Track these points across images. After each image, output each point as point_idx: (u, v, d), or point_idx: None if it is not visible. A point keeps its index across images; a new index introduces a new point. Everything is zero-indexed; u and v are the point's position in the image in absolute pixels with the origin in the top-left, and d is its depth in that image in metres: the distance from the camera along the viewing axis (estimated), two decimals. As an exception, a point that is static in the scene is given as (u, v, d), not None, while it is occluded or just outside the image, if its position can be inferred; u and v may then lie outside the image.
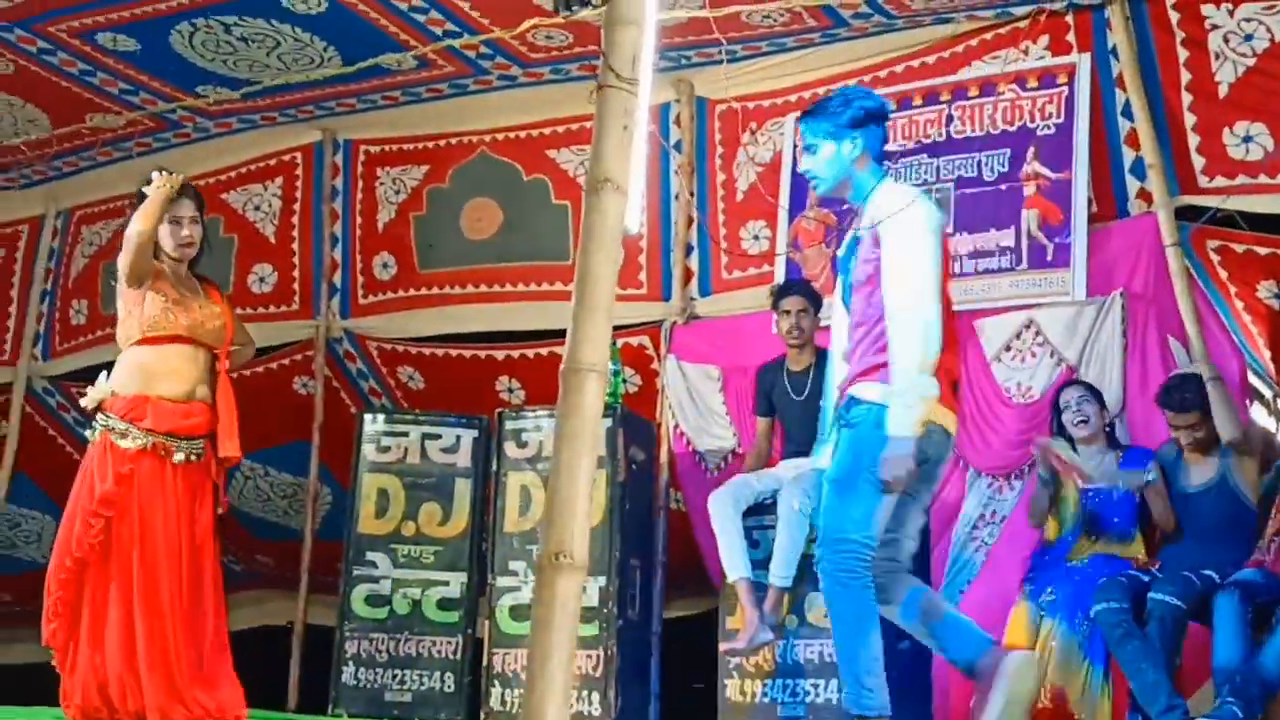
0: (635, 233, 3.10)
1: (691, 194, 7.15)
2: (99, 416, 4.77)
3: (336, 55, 6.87)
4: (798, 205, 6.74)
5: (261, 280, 8.17)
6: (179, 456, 4.71)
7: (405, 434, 6.70)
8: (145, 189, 4.84)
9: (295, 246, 8.13)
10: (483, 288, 7.64)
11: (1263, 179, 5.81)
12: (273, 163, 8.15)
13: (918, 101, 6.47)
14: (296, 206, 8.12)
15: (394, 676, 6.46)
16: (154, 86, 7.23)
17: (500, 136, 7.61)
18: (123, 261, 4.83)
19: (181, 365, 4.81)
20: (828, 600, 4.11)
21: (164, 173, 4.84)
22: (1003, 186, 6.15)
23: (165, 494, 4.67)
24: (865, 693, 3.93)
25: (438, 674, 6.46)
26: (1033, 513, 5.48)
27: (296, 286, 8.11)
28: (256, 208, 8.22)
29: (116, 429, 4.67)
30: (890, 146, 6.34)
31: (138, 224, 4.74)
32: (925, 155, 6.38)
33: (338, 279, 8.03)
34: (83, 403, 4.94)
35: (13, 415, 8.47)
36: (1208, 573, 4.73)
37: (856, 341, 4.13)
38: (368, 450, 6.67)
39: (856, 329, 4.16)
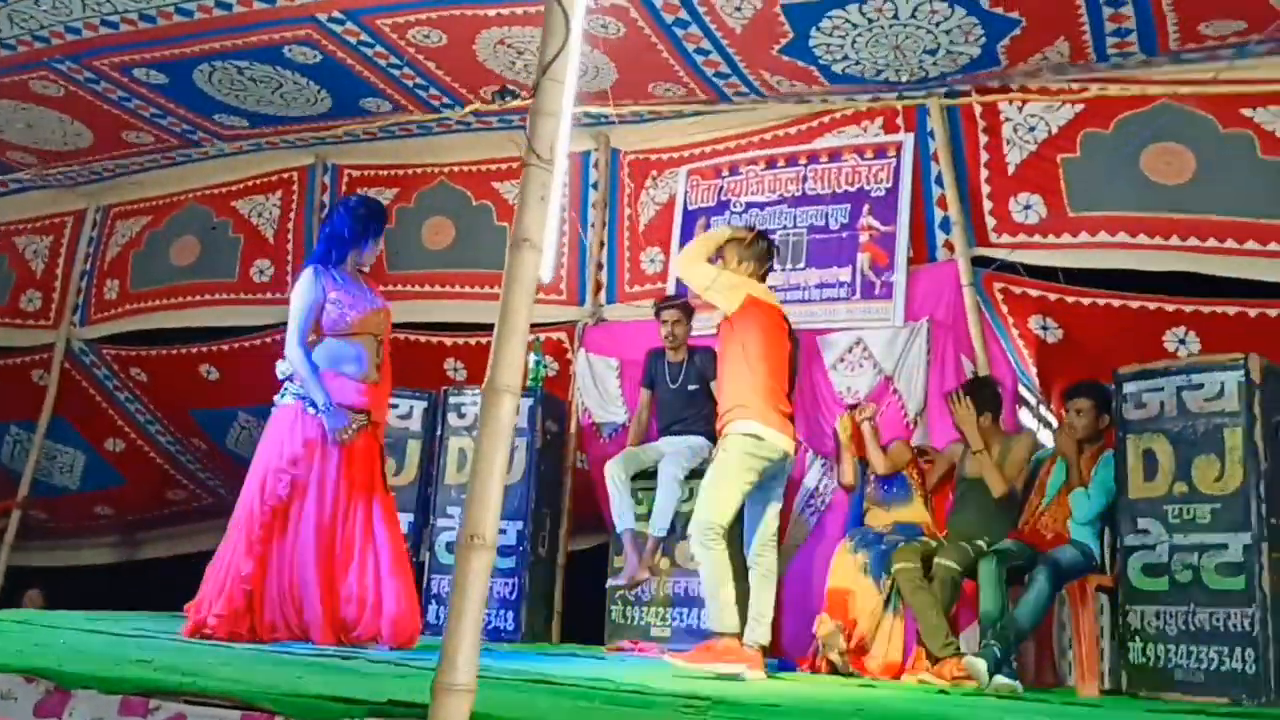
0: (549, 281, 3.06)
1: (604, 224, 7.13)
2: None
3: (328, 96, 6.74)
4: (686, 236, 6.73)
5: (262, 272, 8.02)
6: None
7: (369, 402, 6.60)
8: None
9: (290, 246, 7.98)
10: (437, 287, 7.58)
11: (1037, 238, 5.93)
12: (274, 179, 7.99)
13: (781, 163, 6.49)
14: (292, 214, 7.98)
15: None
16: (179, 113, 7.06)
17: (457, 169, 7.54)
18: None
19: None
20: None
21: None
22: (844, 234, 6.19)
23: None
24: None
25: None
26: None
27: (289, 278, 7.95)
28: (260, 214, 8.06)
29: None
30: (758, 198, 6.46)
31: None
32: (785, 206, 6.39)
33: (322, 274, 7.89)
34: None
35: (54, 369, 8.30)
36: (979, 542, 4.80)
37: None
38: (338, 414, 6.56)
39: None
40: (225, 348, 8.11)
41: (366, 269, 4.83)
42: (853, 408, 5.62)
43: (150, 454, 8.74)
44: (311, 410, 4.47)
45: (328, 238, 4.73)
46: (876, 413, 5.54)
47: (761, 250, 4.70)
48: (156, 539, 9.32)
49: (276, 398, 4.65)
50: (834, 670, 4.84)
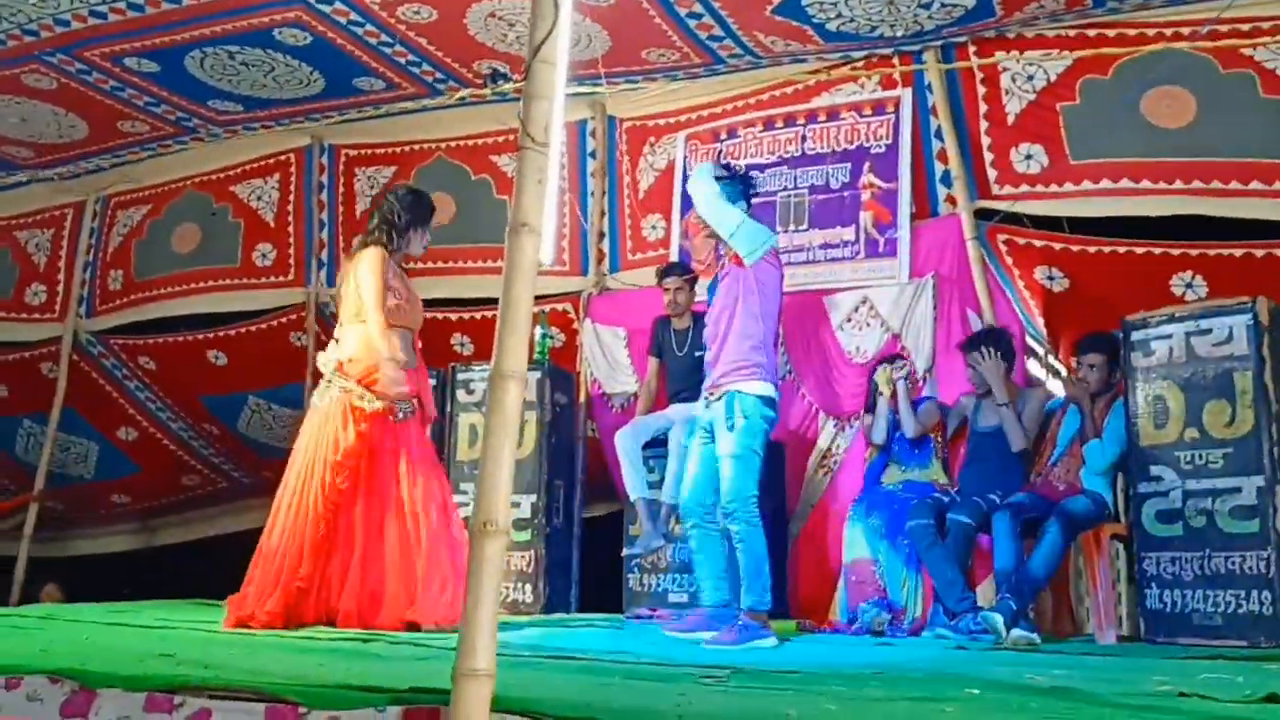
0: (549, 265, 3.05)
1: (604, 192, 7.10)
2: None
3: (321, 78, 6.70)
4: (687, 203, 6.68)
5: (263, 255, 8.01)
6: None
7: (378, 381, 6.61)
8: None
9: (290, 229, 7.96)
10: (440, 264, 7.52)
11: (1039, 188, 5.87)
12: (271, 162, 7.94)
13: (779, 124, 6.44)
14: (291, 197, 7.94)
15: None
16: (173, 100, 7.03)
17: (454, 144, 7.49)
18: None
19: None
20: (742, 538, 4.20)
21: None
22: (845, 193, 6.15)
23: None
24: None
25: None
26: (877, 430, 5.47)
27: (292, 261, 7.97)
28: (259, 198, 8.04)
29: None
30: (758, 160, 6.42)
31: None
32: (785, 168, 6.35)
33: (324, 255, 7.90)
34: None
35: (62, 361, 8.31)
36: (991, 496, 4.80)
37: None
38: (348, 394, 6.58)
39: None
40: (232, 332, 8.12)
41: (417, 257, 4.85)
42: (890, 360, 5.54)
43: (163, 441, 8.78)
44: (364, 403, 4.43)
45: (381, 226, 4.68)
46: (910, 370, 5.48)
47: (749, 192, 4.66)
48: (173, 524, 9.38)
49: (315, 396, 4.60)
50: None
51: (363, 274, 4.53)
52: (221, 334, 8.14)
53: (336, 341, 4.65)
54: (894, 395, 5.39)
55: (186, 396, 8.51)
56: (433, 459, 4.65)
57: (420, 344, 4.79)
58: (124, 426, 8.71)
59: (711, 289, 4.65)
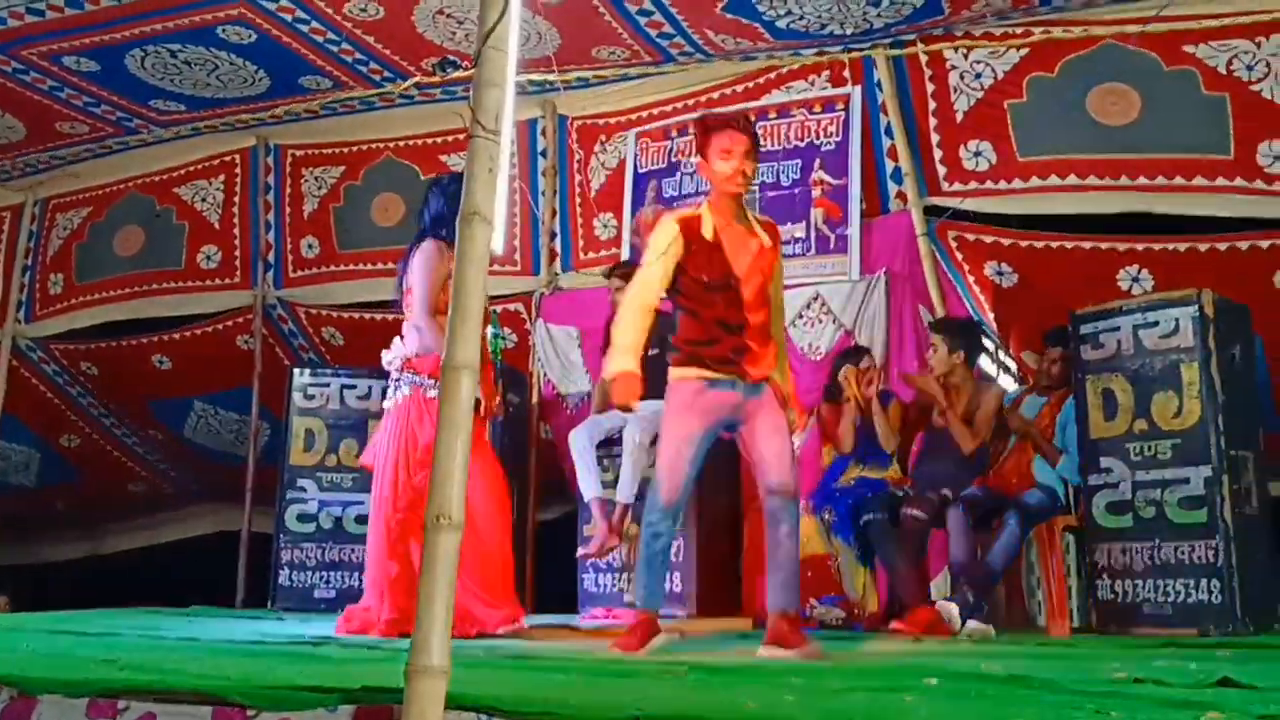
0: (501, 254, 3.01)
1: (555, 191, 7.06)
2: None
3: (266, 76, 6.60)
4: (638, 200, 6.69)
5: (209, 258, 7.90)
6: None
7: (327, 385, 6.57)
8: None
9: (236, 231, 7.87)
10: (389, 264, 7.42)
11: (989, 185, 5.93)
12: (216, 163, 7.83)
13: (730, 122, 6.44)
14: (236, 199, 7.85)
15: (321, 577, 6.37)
16: (113, 100, 6.88)
17: (403, 144, 7.43)
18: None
19: None
20: None
21: None
22: (796, 190, 6.16)
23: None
24: None
25: (356, 574, 6.34)
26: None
27: (238, 263, 7.87)
28: (204, 199, 7.92)
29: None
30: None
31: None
32: (736, 164, 6.35)
33: (271, 257, 7.80)
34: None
35: (1, 368, 8.10)
36: (944, 491, 4.81)
37: None
38: (296, 398, 6.53)
39: None
40: (176, 336, 8.00)
41: None
42: (850, 356, 5.38)
43: (107, 447, 8.62)
44: (434, 394, 4.22)
45: (434, 221, 4.50)
46: (878, 375, 5.31)
47: None
48: (119, 532, 9.22)
49: (386, 400, 4.49)
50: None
51: (415, 267, 4.39)
52: (166, 338, 8.01)
53: (401, 338, 4.49)
54: (864, 405, 5.29)
55: (131, 402, 8.36)
56: (489, 456, 4.49)
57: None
58: (66, 433, 8.54)
59: None
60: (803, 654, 3.36)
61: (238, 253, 7.85)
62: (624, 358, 3.51)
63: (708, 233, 3.58)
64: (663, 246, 3.59)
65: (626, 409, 3.67)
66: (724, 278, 3.56)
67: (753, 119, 3.89)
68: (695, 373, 3.56)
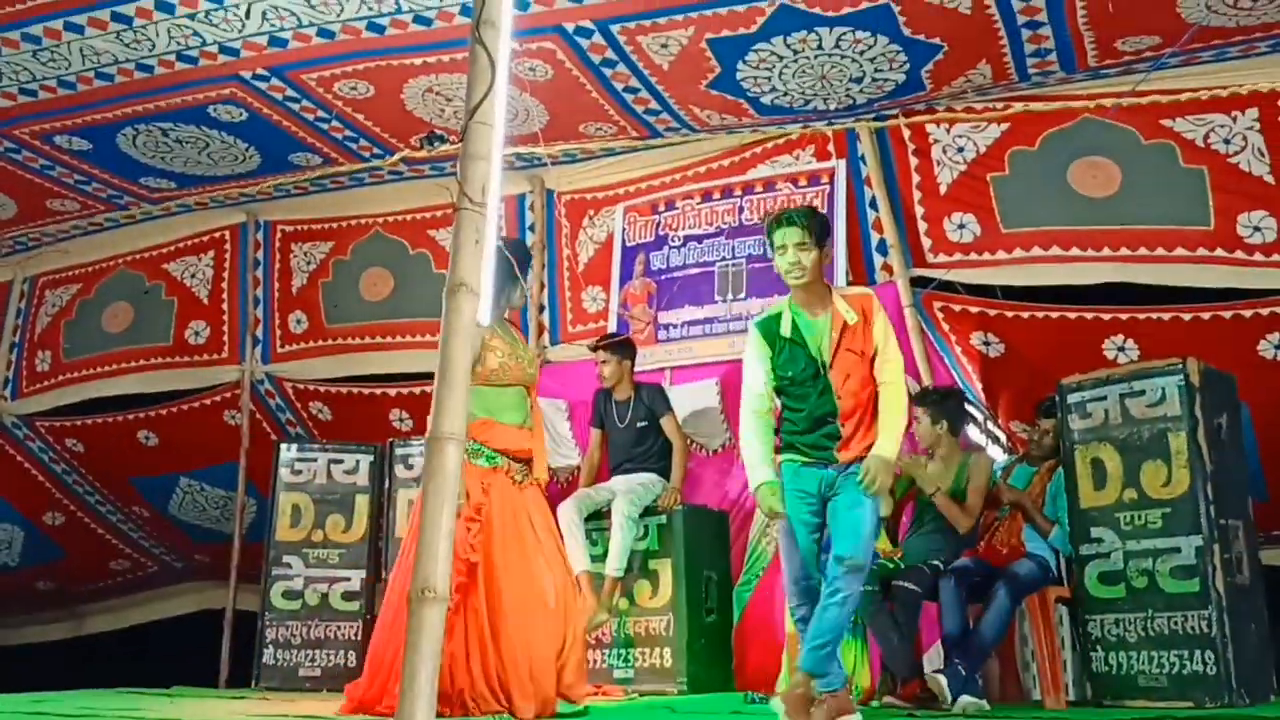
0: (487, 325, 3.03)
1: (544, 265, 7.11)
2: None
3: (256, 154, 6.66)
4: (626, 274, 6.74)
5: (197, 334, 7.90)
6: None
7: (314, 460, 6.56)
8: None
9: (225, 306, 7.87)
10: (378, 339, 7.52)
11: (973, 256, 5.98)
12: (205, 239, 7.87)
13: (717, 196, 6.51)
14: (226, 274, 7.86)
15: (307, 655, 6.29)
16: (104, 178, 6.93)
17: (391, 219, 7.48)
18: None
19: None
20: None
21: None
22: (783, 263, 6.20)
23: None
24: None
25: (343, 652, 6.30)
26: None
27: (226, 338, 7.86)
28: (193, 275, 7.94)
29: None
30: (695, 230, 6.49)
31: None
32: (723, 238, 6.41)
33: (260, 332, 7.81)
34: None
35: (-14, 445, 8.06)
36: (935, 562, 4.79)
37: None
38: (284, 474, 6.51)
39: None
40: (163, 412, 7.96)
41: (515, 309, 4.57)
42: None
43: (91, 525, 8.54)
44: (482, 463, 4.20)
45: None
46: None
47: None
48: (101, 611, 9.09)
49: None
50: None
51: None
52: (152, 414, 7.98)
53: None
54: None
55: (115, 479, 8.30)
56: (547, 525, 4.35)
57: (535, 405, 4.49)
58: (50, 511, 8.45)
59: None
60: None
61: (226, 328, 7.85)
62: (760, 470, 3.76)
63: (785, 330, 3.76)
64: (751, 354, 3.84)
65: (775, 515, 3.81)
66: (806, 370, 3.70)
67: (809, 210, 3.96)
68: (789, 457, 3.77)
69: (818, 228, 3.78)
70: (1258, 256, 5.37)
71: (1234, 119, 5.38)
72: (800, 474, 3.74)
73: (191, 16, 5.17)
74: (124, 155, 6.59)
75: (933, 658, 4.94)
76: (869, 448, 3.65)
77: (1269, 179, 5.34)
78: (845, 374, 3.67)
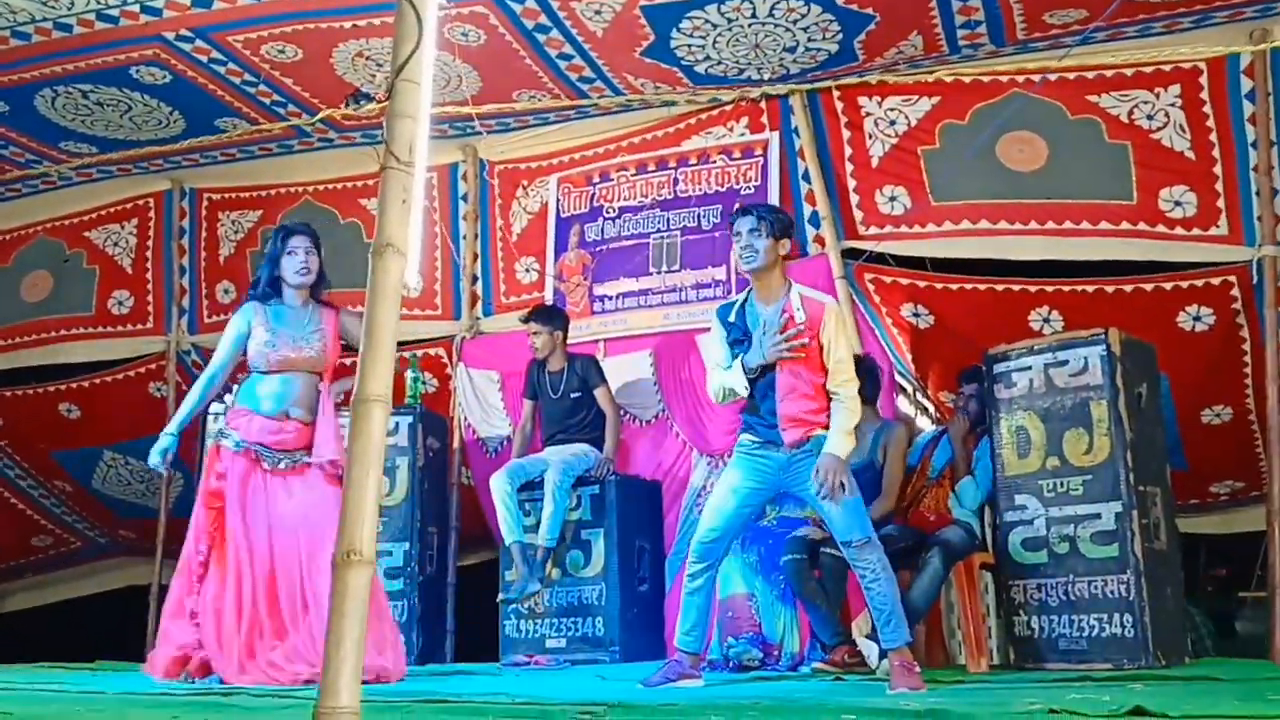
0: (414, 287, 2.99)
1: (476, 236, 7.04)
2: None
3: (181, 118, 6.50)
4: (561, 246, 6.70)
5: (120, 303, 7.71)
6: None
7: (242, 430, 6.39)
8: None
9: (149, 276, 7.69)
10: (309, 310, 7.38)
11: (904, 229, 6.03)
12: (129, 206, 7.66)
13: (651, 167, 6.50)
14: (150, 243, 7.68)
15: (234, 629, 6.17)
16: (22, 141, 6.73)
17: (321, 187, 7.34)
18: None
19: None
20: None
21: None
22: (716, 234, 6.20)
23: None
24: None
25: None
26: None
27: (151, 309, 7.69)
28: (116, 244, 7.74)
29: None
30: (630, 202, 6.46)
31: None
32: (658, 210, 6.41)
33: (186, 302, 7.64)
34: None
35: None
36: (862, 530, 4.82)
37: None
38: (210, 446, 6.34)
39: None
40: (85, 384, 7.78)
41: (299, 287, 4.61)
42: None
43: (11, 499, 8.31)
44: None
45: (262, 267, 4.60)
46: None
47: None
48: (21, 589, 8.87)
49: None
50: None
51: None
52: (74, 385, 7.79)
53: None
54: None
55: (36, 452, 8.08)
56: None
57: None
58: (-34, 486, 8.23)
59: None
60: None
61: (150, 298, 7.68)
62: (718, 372, 4.01)
63: (733, 315, 4.02)
64: (712, 337, 4.12)
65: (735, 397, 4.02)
66: (754, 356, 3.88)
67: (770, 205, 4.41)
68: (746, 436, 3.96)
69: (772, 218, 3.99)
70: (1179, 230, 5.49)
71: (1157, 95, 5.48)
72: (753, 453, 3.93)
73: (111, -26, 5.04)
74: (43, 118, 6.41)
75: (861, 624, 5.00)
76: (812, 429, 3.85)
77: (1190, 154, 5.46)
78: (790, 369, 3.86)
